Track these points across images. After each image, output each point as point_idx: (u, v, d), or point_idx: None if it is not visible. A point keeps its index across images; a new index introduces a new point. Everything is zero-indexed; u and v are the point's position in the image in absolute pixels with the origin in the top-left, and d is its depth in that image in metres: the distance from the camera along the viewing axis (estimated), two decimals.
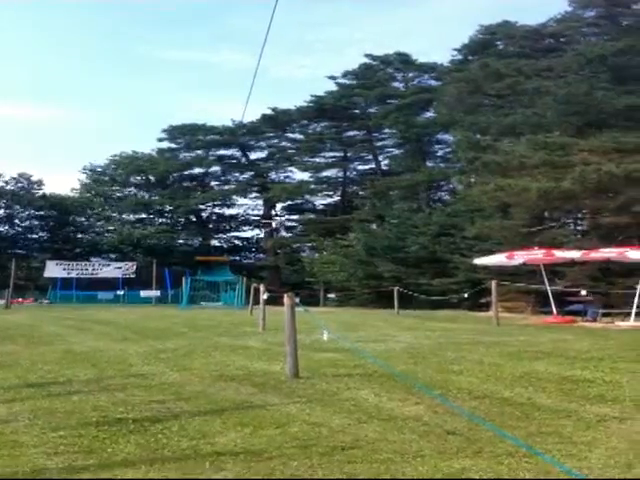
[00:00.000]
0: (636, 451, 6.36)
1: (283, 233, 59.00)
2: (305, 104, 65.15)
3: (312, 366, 11.88)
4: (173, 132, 69.62)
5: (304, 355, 12.30)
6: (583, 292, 26.97)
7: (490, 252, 32.80)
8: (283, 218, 68.83)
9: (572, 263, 29.83)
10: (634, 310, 24.32)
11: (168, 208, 69.14)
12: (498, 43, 49.49)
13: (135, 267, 57.19)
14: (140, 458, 6.26)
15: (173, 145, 70.90)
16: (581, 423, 7.55)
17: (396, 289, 34.12)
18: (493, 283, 25.67)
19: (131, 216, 70.15)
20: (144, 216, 70.45)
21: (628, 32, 35.80)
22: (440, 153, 62.06)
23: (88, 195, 70.07)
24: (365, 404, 8.63)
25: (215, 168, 72.23)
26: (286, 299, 11.37)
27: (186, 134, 69.26)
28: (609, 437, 6.91)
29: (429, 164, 60.52)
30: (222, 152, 71.41)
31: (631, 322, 24.01)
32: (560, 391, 9.51)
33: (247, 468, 5.90)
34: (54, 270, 56.08)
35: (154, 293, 52.21)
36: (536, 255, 28.50)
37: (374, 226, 52.08)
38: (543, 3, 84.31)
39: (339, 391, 9.58)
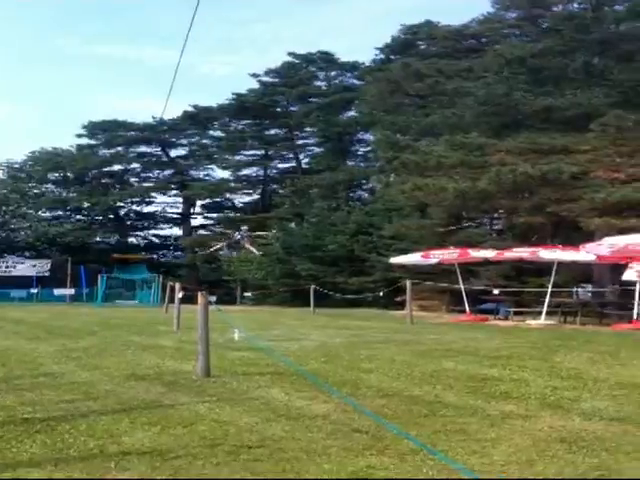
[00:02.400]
0: (538, 448, 6.48)
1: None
2: (227, 102, 65.13)
3: (224, 365, 11.85)
4: (93, 128, 68.31)
5: (217, 354, 12.29)
6: (495, 291, 27.45)
7: (407, 251, 33.16)
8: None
9: (486, 262, 30.33)
10: (545, 309, 24.84)
11: (85, 205, 67.87)
12: (420, 43, 50.12)
13: (49, 265, 56.15)
14: (45, 458, 6.18)
15: (92, 141, 69.62)
16: (486, 420, 7.67)
17: (312, 287, 34.22)
18: (408, 282, 25.95)
19: (47, 213, 68.69)
20: (61, 213, 69.07)
21: (547, 34, 36.37)
22: (361, 152, 62.98)
23: (4, 192, 68.48)
24: (274, 403, 8.65)
25: (135, 165, 71.29)
26: (199, 298, 11.32)
27: (106, 130, 68.06)
28: (513, 434, 7.03)
29: (350, 163, 61.18)
30: (142, 149, 70.46)
31: (542, 321, 24.51)
32: (467, 389, 9.66)
33: (152, 468, 5.86)
34: None
35: (68, 291, 51.34)
36: (451, 254, 28.88)
37: (293, 224, 52.06)
38: (468, 4, 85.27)
39: (249, 390, 9.58)
